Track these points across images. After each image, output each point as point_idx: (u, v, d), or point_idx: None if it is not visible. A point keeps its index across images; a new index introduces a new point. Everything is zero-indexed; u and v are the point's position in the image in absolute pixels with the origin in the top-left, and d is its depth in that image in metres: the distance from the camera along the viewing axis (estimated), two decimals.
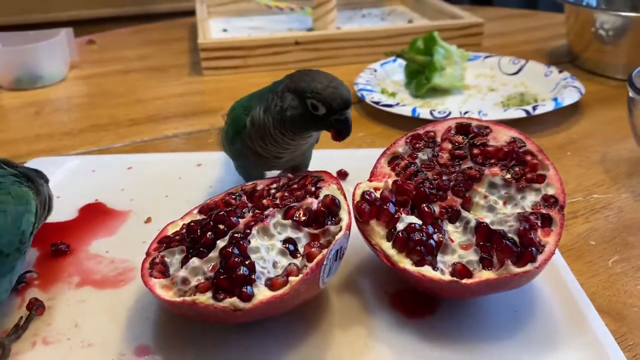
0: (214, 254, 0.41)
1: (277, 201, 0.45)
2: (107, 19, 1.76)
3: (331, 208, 0.43)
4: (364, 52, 1.02)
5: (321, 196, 0.44)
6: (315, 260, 0.39)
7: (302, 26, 1.18)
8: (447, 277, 0.40)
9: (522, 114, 0.73)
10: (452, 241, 0.43)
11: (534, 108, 0.74)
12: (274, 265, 0.40)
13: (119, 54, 1.17)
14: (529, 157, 0.46)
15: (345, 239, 0.42)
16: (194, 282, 0.40)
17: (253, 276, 0.39)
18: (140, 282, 0.44)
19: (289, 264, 0.40)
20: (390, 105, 0.77)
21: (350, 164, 0.64)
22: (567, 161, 0.68)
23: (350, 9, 1.35)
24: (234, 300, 0.38)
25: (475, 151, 0.47)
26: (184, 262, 0.42)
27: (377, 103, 0.79)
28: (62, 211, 0.58)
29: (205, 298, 0.38)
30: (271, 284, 0.39)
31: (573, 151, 0.70)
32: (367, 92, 0.82)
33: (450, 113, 0.74)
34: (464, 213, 0.44)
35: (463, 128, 0.48)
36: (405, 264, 0.41)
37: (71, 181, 0.65)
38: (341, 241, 0.41)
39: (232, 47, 0.99)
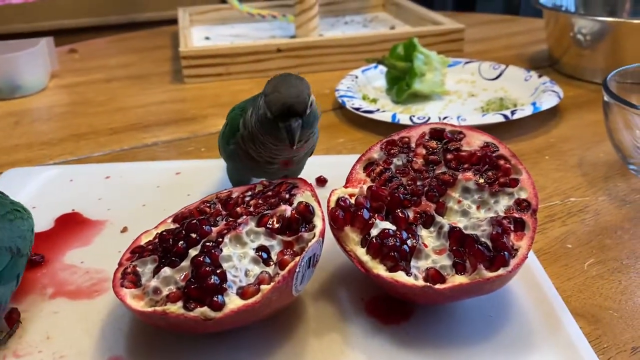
0: (185, 263, 0.40)
1: (251, 209, 0.45)
2: (90, 28, 1.75)
3: (305, 215, 0.43)
4: (346, 58, 1.03)
5: (295, 203, 0.44)
6: (288, 268, 0.39)
7: (285, 34, 1.18)
8: (421, 282, 0.40)
9: (501, 119, 0.73)
10: (426, 246, 0.43)
11: (513, 113, 0.74)
12: (246, 273, 0.40)
13: (101, 62, 1.17)
14: (502, 162, 0.46)
15: (319, 245, 0.41)
16: (165, 291, 0.40)
17: (224, 285, 0.38)
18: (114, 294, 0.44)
19: (261, 272, 0.40)
20: (370, 112, 0.77)
21: (329, 171, 0.64)
22: (545, 165, 0.68)
23: (333, 16, 1.35)
24: (205, 309, 0.37)
25: (449, 156, 0.47)
26: (155, 271, 0.41)
27: (357, 109, 0.79)
28: (38, 221, 0.57)
29: (176, 308, 0.38)
30: (242, 293, 0.38)
31: (551, 155, 0.71)
32: (348, 98, 0.82)
33: (429, 119, 0.74)
34: (438, 218, 0.44)
35: (437, 133, 0.49)
36: (379, 269, 0.41)
37: (48, 191, 0.64)
38: (314, 248, 0.41)
39: (214, 54, 0.99)
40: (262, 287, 0.38)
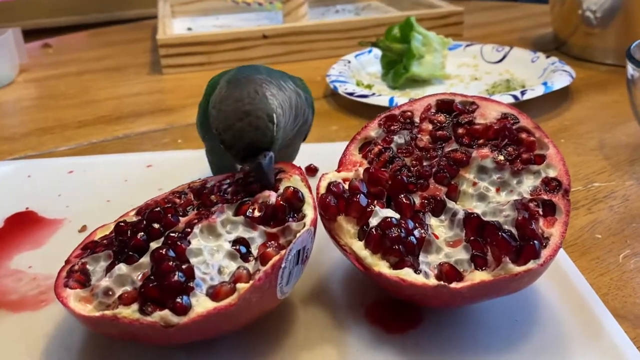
0: (145, 259, 0.33)
1: (228, 196, 0.37)
2: (68, 27, 1.67)
3: (293, 202, 0.35)
4: (337, 45, 0.95)
5: (281, 189, 0.36)
6: (271, 262, 0.31)
7: (272, 23, 1.11)
8: (433, 280, 0.33)
9: (510, 99, 0.66)
10: (437, 237, 0.35)
11: (522, 93, 0.67)
12: (220, 270, 0.33)
13: (75, 56, 1.09)
14: (523, 135, 0.38)
15: (310, 236, 0.34)
16: (118, 293, 0.32)
17: (191, 283, 0.31)
18: None
19: (238, 268, 0.32)
20: (365, 96, 0.70)
21: (321, 159, 0.56)
22: (562, 149, 0.61)
23: (323, 5, 1.28)
24: (166, 313, 0.30)
25: (460, 131, 0.40)
26: (109, 269, 0.34)
27: (351, 94, 0.71)
28: None
29: (130, 312, 0.30)
30: (214, 293, 0.31)
31: (567, 138, 0.64)
32: (340, 83, 0.75)
33: None
34: (450, 204, 0.37)
35: (445, 105, 0.41)
36: (381, 267, 0.34)
37: (1, 188, 0.56)
38: (304, 239, 0.33)
39: (194, 42, 0.92)
40: (239, 286, 0.31)
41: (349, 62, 0.84)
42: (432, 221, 0.37)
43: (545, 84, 0.69)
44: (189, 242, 0.33)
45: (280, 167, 0.40)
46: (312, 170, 0.55)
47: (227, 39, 0.93)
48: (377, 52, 0.86)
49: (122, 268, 0.33)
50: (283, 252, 0.32)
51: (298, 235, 0.33)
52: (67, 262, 0.36)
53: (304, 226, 0.34)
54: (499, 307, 0.37)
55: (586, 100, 0.74)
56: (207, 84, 0.46)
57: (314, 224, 0.34)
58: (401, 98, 0.69)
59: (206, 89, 0.46)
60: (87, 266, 0.35)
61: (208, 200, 0.37)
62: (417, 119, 0.41)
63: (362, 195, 0.36)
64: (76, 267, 0.35)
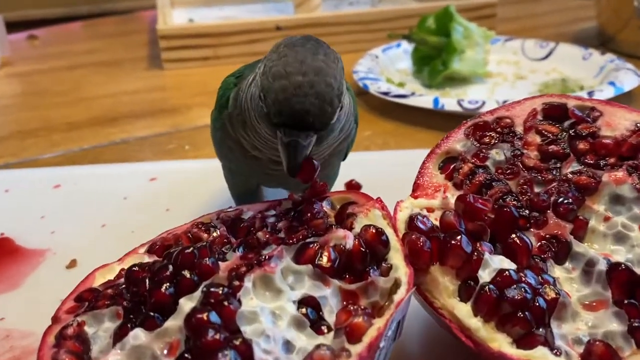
0: (174, 322, 0.23)
1: (281, 234, 0.27)
2: (57, 19, 1.56)
3: (375, 247, 0.25)
4: (358, 38, 0.85)
5: (357, 228, 0.26)
6: (367, 341, 0.22)
7: (283, 15, 1.01)
8: None
9: None
10: (569, 296, 0.25)
11: (590, 94, 0.57)
12: (287, 347, 0.22)
13: (65, 49, 0.98)
14: None
15: (408, 303, 0.24)
16: None
17: None
18: None
19: (317, 348, 0.22)
20: (403, 96, 0.60)
21: (360, 173, 0.46)
22: None
23: None
24: None
25: (581, 146, 0.30)
26: (117, 336, 0.24)
27: (385, 94, 0.61)
28: None
29: None
30: None
31: None
32: (371, 81, 0.65)
33: (484, 103, 0.57)
34: (579, 246, 0.27)
35: (555, 111, 0.31)
36: (502, 343, 0.24)
37: None
38: (404, 307, 0.23)
39: (199, 34, 0.81)
40: None
41: (377, 57, 0.74)
42: (556, 271, 0.27)
43: (613, 84, 0.60)
44: (239, 303, 0.23)
45: (348, 196, 0.29)
46: (353, 187, 0.45)
47: (236, 30, 0.82)
48: (406, 46, 0.76)
49: (139, 336, 0.23)
50: (379, 324, 0.22)
51: (396, 299, 0.23)
52: (56, 319, 0.26)
53: (399, 285, 0.23)
54: None
55: None
56: (219, 87, 0.36)
57: (412, 282, 0.24)
58: (445, 99, 0.59)
59: (219, 94, 0.36)
60: (86, 328, 0.25)
61: (253, 239, 0.27)
62: (519, 129, 0.31)
63: (463, 236, 0.26)
64: (70, 331, 0.25)
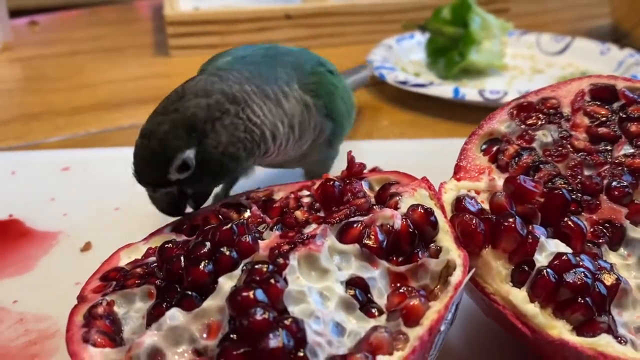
0: (212, 302, 0.21)
1: (321, 213, 0.25)
2: (57, 8, 1.53)
3: (423, 228, 0.24)
4: (370, 29, 0.84)
5: (403, 207, 0.25)
6: (428, 324, 0.20)
7: (292, 3, 0.99)
8: None
9: None
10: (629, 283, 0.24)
11: None
12: (338, 330, 0.21)
13: (66, 35, 0.96)
14: None
15: (465, 286, 0.23)
16: (173, 358, 0.21)
17: (302, 352, 0.19)
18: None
19: (374, 330, 0.21)
20: (422, 85, 0.59)
21: (381, 161, 0.44)
22: None
23: None
24: None
25: (634, 128, 0.28)
26: (151, 316, 0.23)
27: (403, 83, 0.60)
28: None
29: None
30: None
31: None
32: (388, 70, 0.63)
33: (506, 94, 0.55)
34: (634, 231, 0.25)
35: (603, 92, 0.30)
36: (561, 330, 0.22)
37: None
38: (461, 291, 0.22)
39: (208, 20, 0.80)
40: (382, 359, 0.19)
41: (390, 47, 0.72)
42: (611, 257, 0.25)
43: (636, 77, 0.58)
44: (286, 282, 0.21)
45: (389, 177, 0.28)
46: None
47: (244, 17, 0.81)
48: (420, 38, 0.75)
49: (176, 316, 0.21)
50: (438, 307, 0.21)
51: (453, 281, 0.21)
52: (82, 299, 0.24)
53: (452, 268, 0.22)
54: None
55: None
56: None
57: (467, 266, 0.23)
58: (465, 89, 0.58)
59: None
60: (115, 308, 0.23)
61: (291, 218, 0.26)
62: (566, 110, 0.30)
63: (517, 218, 0.24)
64: (100, 310, 0.23)
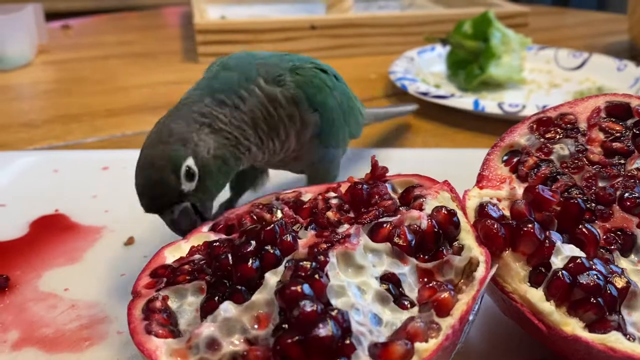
0: (260, 295, 0.24)
1: (351, 214, 0.28)
2: (85, 12, 1.57)
3: (446, 228, 0.26)
4: (391, 40, 0.86)
5: (427, 209, 0.27)
6: (459, 314, 0.23)
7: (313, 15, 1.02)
8: None
9: None
10: (638, 286, 0.26)
11: None
12: (376, 320, 0.23)
13: (98, 39, 1.00)
14: None
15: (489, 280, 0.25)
16: (228, 346, 0.23)
17: (349, 340, 0.22)
18: (116, 344, 0.27)
19: (411, 320, 0.23)
20: (443, 97, 0.61)
21: (404, 168, 0.46)
22: None
23: (365, 0, 1.19)
24: None
25: None
26: (205, 309, 0.25)
27: (425, 94, 0.62)
28: (5, 225, 0.41)
29: None
30: (381, 354, 0.22)
31: None
32: (409, 81, 0.65)
33: (524, 107, 0.57)
34: None
35: (618, 109, 0.32)
36: (574, 327, 0.24)
37: (23, 184, 0.47)
38: (486, 284, 0.24)
39: (236, 29, 0.83)
40: (420, 346, 0.22)
41: (412, 59, 0.75)
42: (622, 263, 0.27)
43: None
44: (327, 277, 0.24)
45: (413, 180, 0.30)
46: None
47: (271, 27, 0.83)
48: (440, 50, 0.77)
49: (229, 309, 0.24)
50: (467, 299, 0.23)
51: (478, 276, 0.24)
52: (137, 294, 0.27)
53: (479, 264, 0.24)
54: None
55: None
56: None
57: (489, 262, 0.25)
58: (485, 101, 0.60)
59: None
60: (169, 303, 0.26)
61: (323, 218, 0.28)
62: (583, 125, 0.32)
63: (536, 224, 0.27)
64: (157, 304, 0.25)
